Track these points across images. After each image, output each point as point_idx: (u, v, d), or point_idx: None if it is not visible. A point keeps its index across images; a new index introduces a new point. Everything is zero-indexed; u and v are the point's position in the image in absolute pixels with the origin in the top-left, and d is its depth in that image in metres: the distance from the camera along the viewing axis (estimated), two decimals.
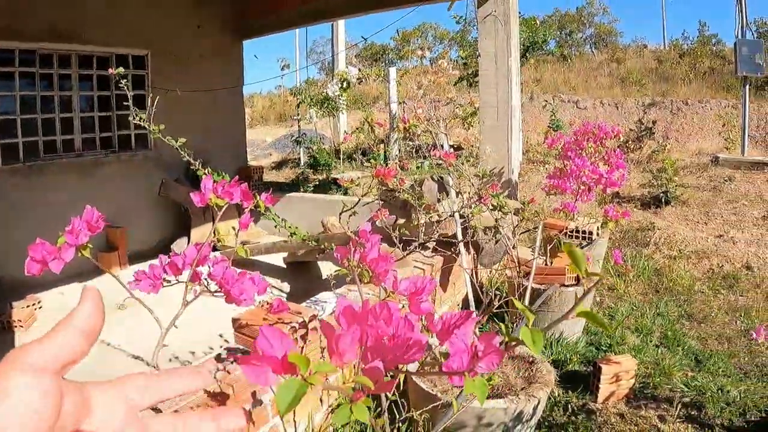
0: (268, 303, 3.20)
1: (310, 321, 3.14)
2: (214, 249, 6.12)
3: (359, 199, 4.30)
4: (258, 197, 2.59)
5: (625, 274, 6.24)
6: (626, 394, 4.26)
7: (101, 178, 6.11)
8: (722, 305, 5.67)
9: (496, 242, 4.88)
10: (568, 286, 4.86)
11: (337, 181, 10.63)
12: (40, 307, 4.66)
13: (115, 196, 6.10)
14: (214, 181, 2.16)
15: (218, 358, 2.93)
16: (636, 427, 3.95)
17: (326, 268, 5.40)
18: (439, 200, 4.80)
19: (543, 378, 3.49)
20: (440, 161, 4.59)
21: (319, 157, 13.10)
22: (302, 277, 5.79)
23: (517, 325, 4.08)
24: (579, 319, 4.98)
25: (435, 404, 3.23)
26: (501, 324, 1.18)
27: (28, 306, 5.18)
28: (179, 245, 5.87)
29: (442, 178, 4.81)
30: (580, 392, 4.32)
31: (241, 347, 3.00)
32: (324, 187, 10.17)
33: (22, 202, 5.60)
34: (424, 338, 0.87)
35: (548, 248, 5.18)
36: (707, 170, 9.04)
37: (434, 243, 4.82)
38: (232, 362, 2.89)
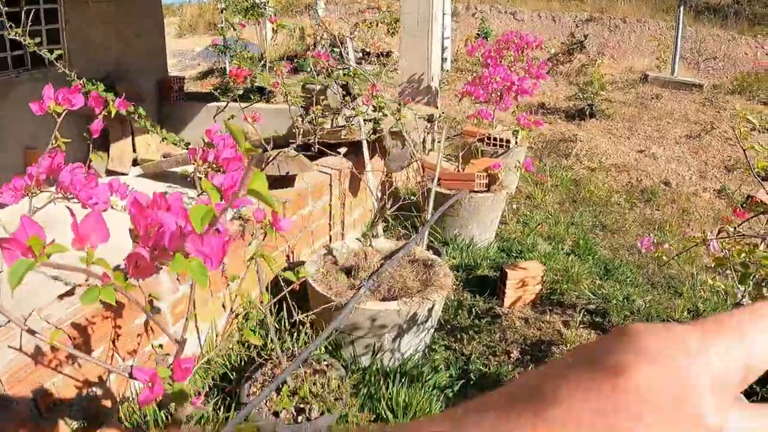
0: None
1: None
2: (135, 164, 5.74)
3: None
4: (111, 104, 2.64)
5: (542, 183, 6.12)
6: (533, 299, 4.17)
7: (15, 99, 5.63)
8: (637, 218, 5.63)
9: (402, 147, 4.62)
10: (478, 192, 4.68)
11: (261, 89, 10.25)
12: None
13: (30, 117, 5.59)
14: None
15: (116, 269, 2.69)
16: (539, 332, 3.86)
17: None
18: (344, 106, 4.50)
19: (440, 281, 3.32)
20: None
21: (243, 65, 12.42)
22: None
23: (422, 230, 3.89)
24: (491, 226, 4.84)
25: (329, 305, 3.05)
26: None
27: None
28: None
29: (347, 83, 4.50)
30: (487, 296, 4.20)
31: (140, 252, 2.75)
32: (247, 96, 9.71)
33: None
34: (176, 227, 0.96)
35: (461, 155, 4.97)
36: (636, 87, 8.95)
37: (344, 149, 4.56)
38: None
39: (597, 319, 4.03)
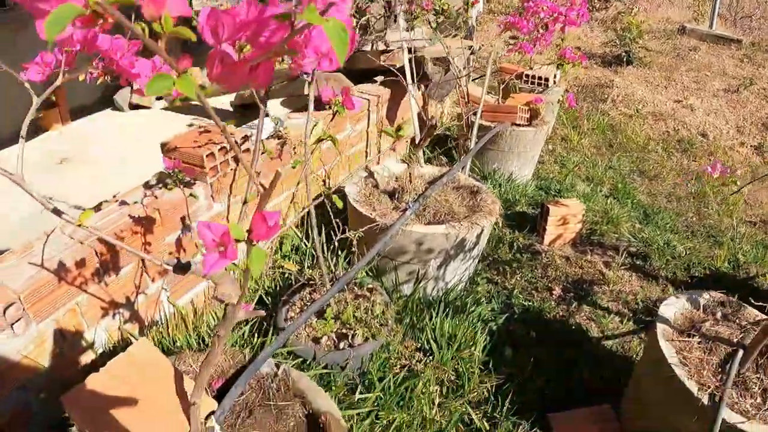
0: (202, 127, 2.77)
1: (242, 142, 2.80)
2: (159, 98, 5.52)
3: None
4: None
5: (579, 126, 5.93)
6: (573, 238, 4.02)
7: (34, 33, 5.36)
8: (674, 167, 5.45)
9: (446, 73, 4.43)
10: (519, 125, 4.50)
11: None
12: None
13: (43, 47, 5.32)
14: None
15: (147, 185, 2.58)
16: (581, 270, 3.73)
17: (275, 109, 4.91)
18: (385, 29, 4.28)
19: (488, 207, 3.17)
20: None
21: None
22: (249, 120, 5.32)
23: (465, 157, 3.72)
24: (530, 162, 4.68)
25: (372, 226, 2.91)
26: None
27: None
28: (122, 95, 5.23)
29: (389, 4, 4.27)
30: (527, 232, 4.06)
31: (170, 172, 2.60)
32: None
33: None
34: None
35: (501, 89, 4.77)
36: (672, 38, 8.65)
37: (381, 77, 4.35)
38: (160, 187, 2.54)
39: (638, 262, 3.89)
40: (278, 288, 3.06)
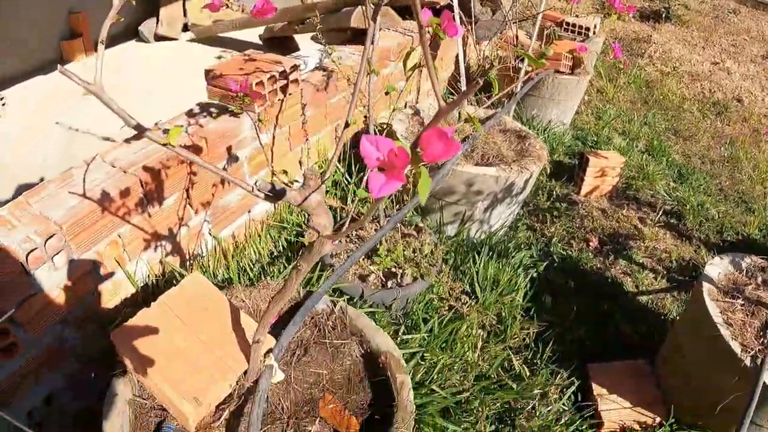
0: (247, 55, 2.67)
1: (291, 72, 2.66)
2: (185, 29, 5.36)
3: None
4: None
5: (615, 79, 5.84)
6: (609, 191, 4.01)
7: None
8: (709, 129, 5.38)
9: (493, 14, 4.33)
10: (562, 73, 4.42)
11: None
12: (3, 104, 4.14)
13: None
14: None
15: (190, 113, 2.48)
16: (617, 224, 3.72)
17: (305, 44, 4.79)
18: None
19: (536, 152, 3.13)
20: None
21: None
22: (279, 53, 5.17)
23: (512, 100, 3.66)
24: (569, 111, 4.62)
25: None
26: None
27: None
28: (147, 26, 5.08)
29: None
30: (564, 182, 4.04)
31: (214, 101, 2.53)
32: None
33: None
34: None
35: (545, 34, 4.67)
36: None
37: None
38: (204, 116, 2.45)
39: (672, 221, 3.88)
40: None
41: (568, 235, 3.55)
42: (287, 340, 1.88)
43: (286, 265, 2.70)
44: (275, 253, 2.82)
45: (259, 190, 1.21)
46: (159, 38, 5.08)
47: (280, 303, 1.50)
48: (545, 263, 3.18)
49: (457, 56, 4.53)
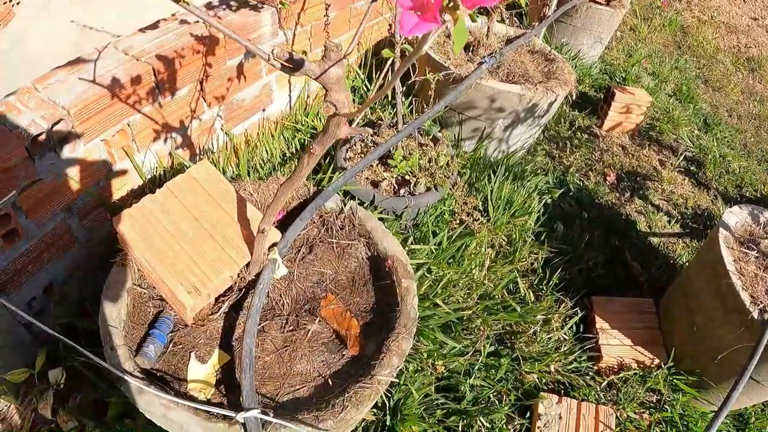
0: None
1: None
2: None
3: None
4: None
5: (650, 18, 5.62)
6: (632, 129, 3.88)
7: None
8: (740, 83, 5.20)
9: None
10: (598, 3, 4.22)
11: None
12: (18, 3, 3.87)
13: None
14: None
15: (209, 5, 2.35)
16: (636, 162, 3.62)
17: None
18: None
19: (563, 76, 2.98)
20: None
21: None
22: None
23: (544, 21, 3.49)
24: (600, 44, 4.44)
25: (446, 73, 2.74)
26: None
27: (4, 3, 4.41)
28: None
29: None
30: (588, 114, 3.90)
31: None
32: None
33: None
34: None
35: None
36: None
37: None
38: (224, 8, 2.32)
39: (692, 168, 3.76)
40: None
41: (586, 166, 3.44)
42: (293, 236, 1.81)
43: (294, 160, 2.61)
44: (288, 155, 2.73)
45: (276, 59, 1.09)
46: None
47: (288, 191, 1.41)
48: (561, 191, 3.09)
49: None
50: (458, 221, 2.60)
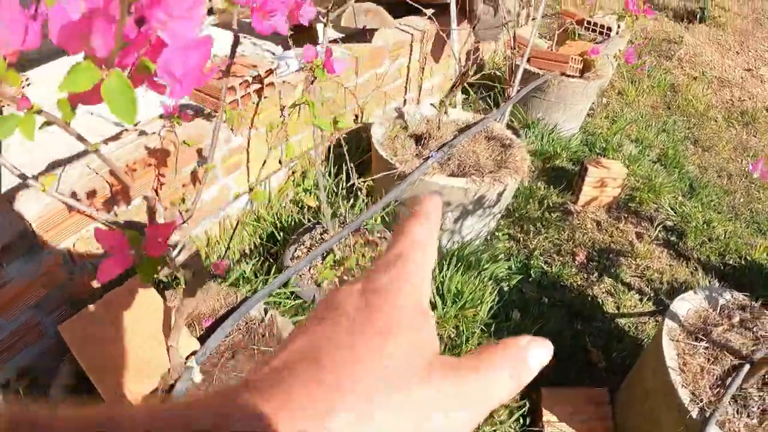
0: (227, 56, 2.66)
1: (266, 76, 2.70)
2: (210, 12, 5.35)
3: None
4: None
5: (639, 81, 5.62)
6: (609, 202, 3.84)
7: None
8: (732, 140, 5.14)
9: (495, 14, 4.15)
10: (570, 76, 4.24)
11: None
12: (28, 84, 4.22)
13: None
14: None
15: (166, 116, 2.51)
16: (610, 238, 3.56)
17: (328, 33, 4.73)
18: None
19: (515, 164, 2.99)
20: None
21: None
22: (301, 41, 5.14)
23: (504, 105, 3.52)
24: (578, 116, 4.45)
25: (391, 172, 2.79)
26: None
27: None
28: None
29: None
30: (562, 190, 3.88)
31: (194, 104, 2.60)
32: None
33: None
34: None
35: (556, 34, 4.49)
36: (754, 1, 8.09)
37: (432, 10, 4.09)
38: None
39: (672, 239, 3.69)
40: (294, 224, 2.97)
41: (554, 247, 3.41)
42: (214, 344, 1.89)
43: (254, 263, 2.73)
44: (247, 250, 2.86)
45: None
46: None
47: (181, 319, 1.54)
48: (520, 277, 3.06)
49: (468, 53, 4.41)
50: None
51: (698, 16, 7.03)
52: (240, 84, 2.59)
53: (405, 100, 4.15)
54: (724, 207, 4.17)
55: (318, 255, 2.34)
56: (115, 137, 2.28)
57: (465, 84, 2.99)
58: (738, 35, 6.94)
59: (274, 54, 4.73)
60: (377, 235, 2.76)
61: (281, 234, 2.92)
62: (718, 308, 2.30)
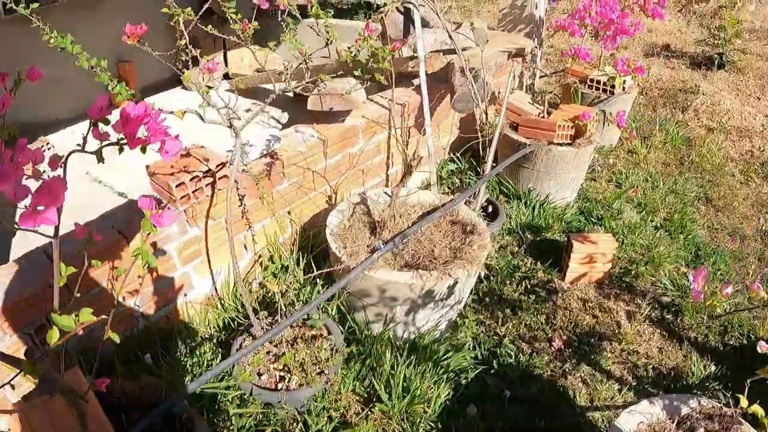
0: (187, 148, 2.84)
1: (218, 169, 2.78)
2: (226, 77, 5.47)
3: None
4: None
5: (651, 136, 5.38)
6: (600, 278, 3.64)
7: (106, 14, 5.42)
8: (750, 196, 4.84)
9: (474, 84, 3.99)
10: (560, 144, 4.07)
11: (369, 4, 9.72)
12: (49, 148, 4.46)
13: (121, 32, 5.41)
14: None
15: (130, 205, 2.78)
16: (594, 320, 3.36)
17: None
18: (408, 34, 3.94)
19: (471, 254, 2.84)
20: None
21: None
22: (303, 108, 5.18)
23: (474, 185, 3.40)
24: (571, 184, 4.27)
25: (339, 267, 2.80)
26: None
27: (37, 148, 5.22)
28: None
29: (408, 9, 3.89)
30: (549, 266, 3.70)
31: (155, 194, 2.76)
32: (352, 12, 9.36)
33: (26, 48, 5.41)
34: None
35: (546, 99, 4.33)
36: None
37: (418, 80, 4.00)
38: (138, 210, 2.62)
39: (667, 317, 3.44)
40: (259, 307, 2.92)
41: (529, 332, 3.22)
42: None
43: (214, 349, 2.82)
44: (207, 335, 2.95)
45: None
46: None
47: None
48: (481, 368, 2.89)
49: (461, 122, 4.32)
50: (337, 413, 2.55)
51: (716, 62, 6.75)
52: (191, 180, 2.67)
53: (387, 176, 4.06)
54: (733, 275, 3.89)
55: (253, 350, 2.35)
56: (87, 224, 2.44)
57: (409, 177, 2.88)
58: (759, 79, 6.62)
59: (278, 121, 4.74)
60: (319, 330, 2.72)
61: (245, 320, 2.85)
62: (679, 419, 2.10)
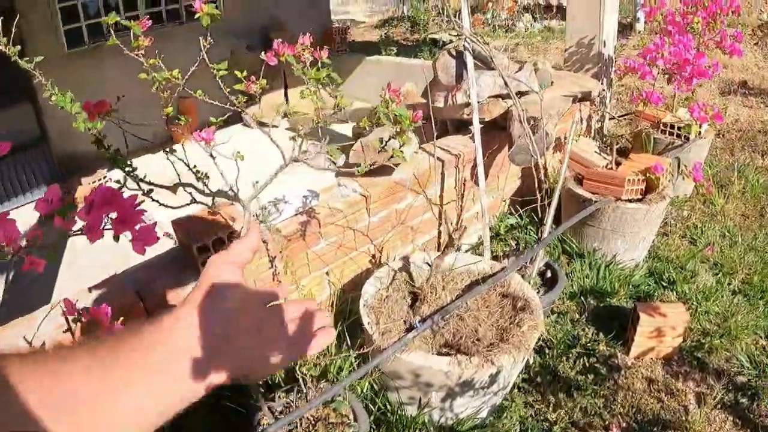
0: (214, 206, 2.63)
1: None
2: (285, 116, 5.47)
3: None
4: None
5: (729, 184, 4.97)
6: (669, 354, 3.31)
7: (168, 50, 5.56)
8: None
9: (534, 133, 3.71)
10: (629, 200, 3.75)
11: (435, 41, 9.58)
12: (107, 182, 4.56)
13: (184, 67, 5.50)
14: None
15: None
16: (659, 404, 3.03)
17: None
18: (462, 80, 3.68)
19: (518, 338, 2.56)
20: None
21: (417, 15, 12.30)
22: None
23: (530, 251, 3.14)
24: (641, 243, 3.93)
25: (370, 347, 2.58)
26: None
27: (95, 181, 5.68)
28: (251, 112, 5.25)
29: (460, 53, 3.64)
30: (612, 338, 3.38)
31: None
32: (416, 48, 9.22)
33: (88, 82, 5.66)
34: None
35: (615, 148, 4.02)
36: None
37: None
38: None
39: (742, 401, 3.07)
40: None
41: (583, 417, 2.92)
42: None
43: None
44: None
45: None
46: (261, 123, 5.16)
47: None
48: None
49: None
50: None
51: None
52: (212, 241, 2.57)
53: (439, 233, 3.82)
54: None
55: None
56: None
57: (451, 248, 2.63)
58: None
59: (334, 162, 4.57)
60: (342, 416, 2.49)
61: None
62: None
